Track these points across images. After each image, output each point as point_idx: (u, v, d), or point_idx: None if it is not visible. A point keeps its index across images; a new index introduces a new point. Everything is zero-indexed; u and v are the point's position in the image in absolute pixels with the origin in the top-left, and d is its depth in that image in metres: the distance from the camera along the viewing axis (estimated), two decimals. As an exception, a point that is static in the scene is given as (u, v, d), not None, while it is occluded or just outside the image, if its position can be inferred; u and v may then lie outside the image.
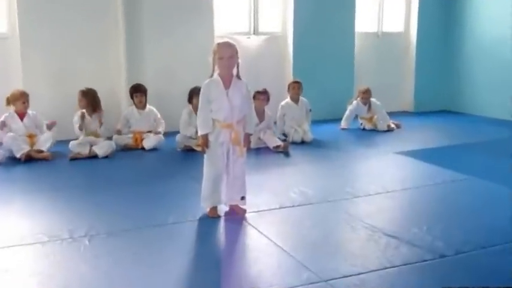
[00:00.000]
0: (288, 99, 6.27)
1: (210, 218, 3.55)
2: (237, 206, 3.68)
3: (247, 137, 3.67)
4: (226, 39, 3.65)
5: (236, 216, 3.62)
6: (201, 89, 3.53)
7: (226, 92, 3.47)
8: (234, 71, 3.52)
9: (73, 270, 2.81)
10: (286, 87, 6.37)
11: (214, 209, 3.62)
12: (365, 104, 6.83)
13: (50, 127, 5.42)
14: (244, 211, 3.66)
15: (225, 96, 3.47)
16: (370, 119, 6.79)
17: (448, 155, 5.49)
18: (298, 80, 6.34)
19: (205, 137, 3.52)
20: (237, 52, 3.49)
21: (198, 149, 5.25)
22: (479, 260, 2.97)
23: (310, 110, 6.31)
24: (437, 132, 6.77)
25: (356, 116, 6.93)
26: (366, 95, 6.82)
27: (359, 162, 5.32)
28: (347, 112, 6.90)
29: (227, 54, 3.44)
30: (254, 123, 3.77)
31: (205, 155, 3.57)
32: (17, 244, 3.15)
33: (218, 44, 3.52)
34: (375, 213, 3.70)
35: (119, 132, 5.82)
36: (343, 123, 6.85)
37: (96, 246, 3.10)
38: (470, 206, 3.87)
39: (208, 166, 3.56)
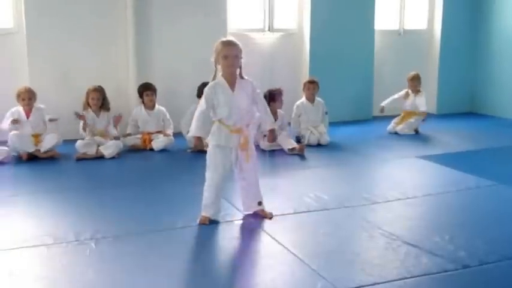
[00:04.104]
0: (303, 99, 6.27)
1: (202, 224, 3.53)
2: (261, 210, 3.69)
3: (271, 133, 3.72)
4: (229, 37, 3.63)
5: (249, 221, 3.64)
6: (205, 91, 3.49)
7: (233, 95, 3.45)
8: (238, 71, 3.49)
9: (78, 275, 2.85)
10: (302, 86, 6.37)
11: (208, 218, 3.57)
12: (413, 92, 6.76)
13: (51, 121, 5.42)
14: (271, 213, 3.68)
15: (233, 99, 3.45)
16: (407, 116, 6.72)
17: (472, 160, 5.44)
18: (314, 78, 6.33)
19: (200, 138, 3.53)
20: (241, 51, 3.45)
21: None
22: (504, 271, 2.94)
23: (327, 113, 6.27)
24: (462, 135, 6.71)
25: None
26: (414, 82, 6.76)
27: (378, 166, 5.30)
28: (395, 95, 6.89)
29: (232, 53, 3.40)
30: (271, 118, 3.77)
31: (207, 161, 3.56)
32: (21, 246, 3.19)
33: (222, 42, 3.46)
34: (394, 220, 3.69)
35: (128, 136, 5.87)
36: (384, 102, 6.84)
37: (102, 250, 3.14)
38: (496, 214, 3.84)
39: (211, 172, 3.55)
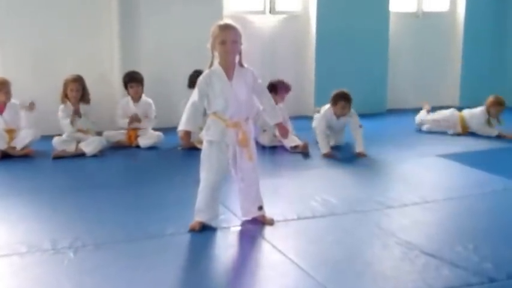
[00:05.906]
0: (331, 112, 5.80)
1: (192, 231, 3.52)
2: (262, 216, 3.69)
3: (282, 127, 3.71)
4: (228, 20, 3.61)
5: (247, 227, 3.63)
6: (199, 80, 3.48)
7: (230, 84, 3.45)
8: (237, 58, 3.48)
9: (54, 287, 2.85)
10: (330, 99, 5.77)
11: (200, 223, 3.56)
12: (494, 116, 6.47)
13: (31, 107, 5.41)
14: (272, 220, 3.68)
15: (230, 89, 3.44)
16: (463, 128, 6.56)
17: (499, 160, 5.46)
18: (347, 93, 5.74)
19: (188, 133, 3.51)
20: (240, 36, 3.44)
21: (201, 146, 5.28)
22: (535, 285, 2.93)
23: (361, 126, 5.74)
24: (487, 131, 6.69)
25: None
26: (501, 107, 6.44)
27: (393, 166, 5.29)
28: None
29: (230, 37, 3.39)
30: (277, 111, 3.74)
31: (202, 159, 3.55)
32: (-9, 256, 3.19)
33: (219, 26, 3.45)
34: (412, 227, 3.68)
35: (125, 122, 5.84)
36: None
37: (81, 260, 3.13)
38: (526, 221, 3.84)
39: (205, 172, 3.53)
